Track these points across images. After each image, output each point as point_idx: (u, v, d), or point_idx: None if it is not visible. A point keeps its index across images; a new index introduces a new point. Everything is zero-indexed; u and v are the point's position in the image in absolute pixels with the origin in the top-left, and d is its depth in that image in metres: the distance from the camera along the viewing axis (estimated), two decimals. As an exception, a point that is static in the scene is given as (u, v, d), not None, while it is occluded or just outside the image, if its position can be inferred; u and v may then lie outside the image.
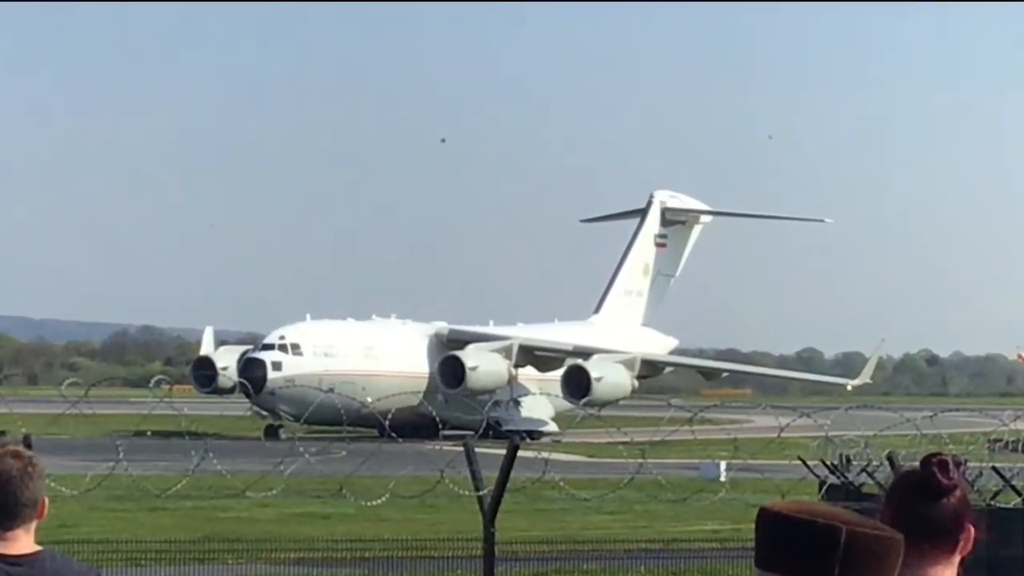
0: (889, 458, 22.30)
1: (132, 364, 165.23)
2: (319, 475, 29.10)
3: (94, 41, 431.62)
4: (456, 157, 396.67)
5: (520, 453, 18.32)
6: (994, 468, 25.33)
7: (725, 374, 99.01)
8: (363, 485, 26.91)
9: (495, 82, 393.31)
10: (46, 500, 5.50)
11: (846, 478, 30.30)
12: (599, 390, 78.44)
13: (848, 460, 32.39)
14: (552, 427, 79.71)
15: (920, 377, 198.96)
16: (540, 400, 79.79)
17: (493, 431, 56.83)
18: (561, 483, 23.44)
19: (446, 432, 36.37)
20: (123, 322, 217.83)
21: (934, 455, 4.39)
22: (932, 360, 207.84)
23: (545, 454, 23.21)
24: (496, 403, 72.37)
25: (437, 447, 27.48)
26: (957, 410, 43.99)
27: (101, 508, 34.78)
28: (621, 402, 80.00)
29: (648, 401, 69.10)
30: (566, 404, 77.37)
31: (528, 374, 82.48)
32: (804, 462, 30.82)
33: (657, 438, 24.76)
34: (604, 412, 57.47)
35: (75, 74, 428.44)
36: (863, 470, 30.37)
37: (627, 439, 23.90)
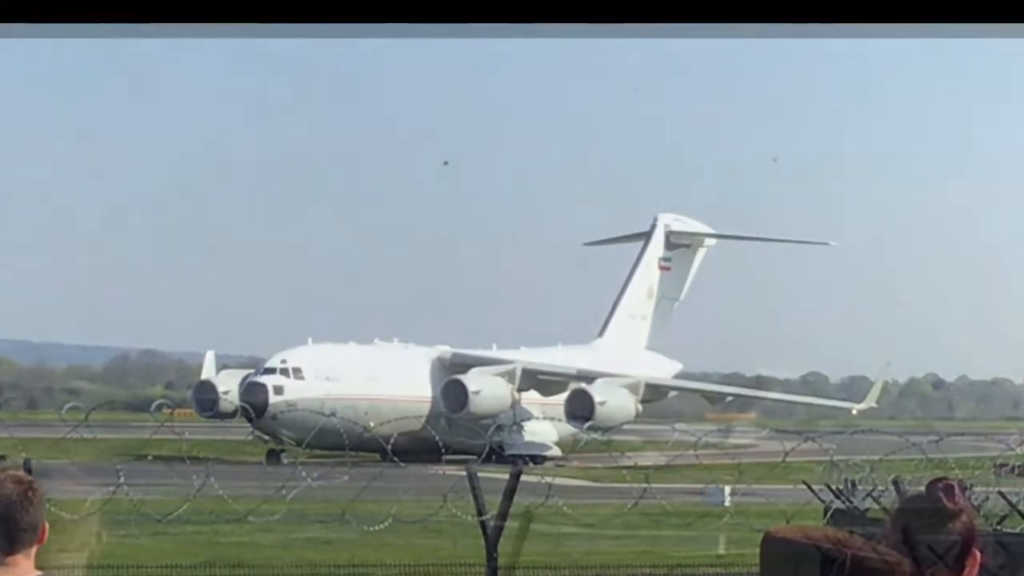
0: (895, 482, 22.25)
1: (133, 388, 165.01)
2: (321, 500, 29.03)
3: (92, 61, 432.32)
4: (459, 179, 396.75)
5: (523, 478, 18.30)
6: (1000, 493, 25.30)
7: (730, 398, 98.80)
8: (365, 510, 26.82)
9: (497, 104, 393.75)
10: (46, 525, 5.48)
11: (851, 503, 30.23)
12: (603, 414, 78.31)
13: (853, 485, 32.33)
14: (555, 451, 79.54)
15: (926, 401, 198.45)
16: (543, 424, 79.66)
17: (496, 455, 56.70)
18: (564, 508, 23.37)
19: (449, 456, 36.11)
20: (124, 345, 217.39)
21: (939, 479, 4.36)
22: (938, 384, 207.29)
23: (548, 479, 23.10)
24: (499, 427, 72.24)
25: (440, 472, 27.39)
26: (963, 435, 43.88)
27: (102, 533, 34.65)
28: (625, 426, 79.90)
29: (652, 425, 68.96)
30: (570, 428, 77.26)
31: (531, 398, 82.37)
32: (809, 487, 30.74)
33: (661, 463, 24.69)
34: (608, 436, 57.40)
35: (74, 94, 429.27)
36: (868, 495, 30.32)
37: (631, 464, 23.84)
